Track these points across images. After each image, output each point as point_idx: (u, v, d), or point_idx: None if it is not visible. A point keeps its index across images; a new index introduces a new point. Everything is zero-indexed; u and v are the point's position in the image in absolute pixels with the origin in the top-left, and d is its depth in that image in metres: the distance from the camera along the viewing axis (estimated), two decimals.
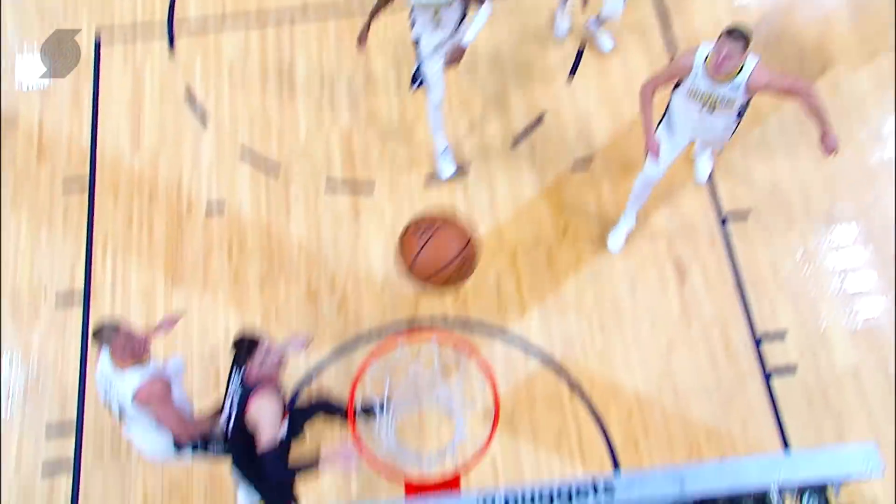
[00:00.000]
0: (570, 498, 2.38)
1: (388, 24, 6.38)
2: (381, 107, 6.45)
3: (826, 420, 5.14)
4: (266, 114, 6.47)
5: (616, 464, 5.08)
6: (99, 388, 4.15)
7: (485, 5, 5.15)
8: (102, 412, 5.26)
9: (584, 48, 6.53)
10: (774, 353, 5.36)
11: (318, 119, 6.42)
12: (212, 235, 5.95)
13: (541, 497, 2.40)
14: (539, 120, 6.31)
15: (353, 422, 3.59)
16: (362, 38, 5.44)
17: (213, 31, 6.95)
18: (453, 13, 5.20)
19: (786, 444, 5.13)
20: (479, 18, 5.20)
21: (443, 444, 5.06)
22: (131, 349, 3.98)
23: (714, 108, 4.74)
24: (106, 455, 5.20)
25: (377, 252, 5.83)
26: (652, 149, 4.97)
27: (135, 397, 3.96)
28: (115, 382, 4.01)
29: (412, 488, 2.78)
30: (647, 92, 4.89)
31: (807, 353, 5.35)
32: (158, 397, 4.01)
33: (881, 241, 5.74)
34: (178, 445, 4.28)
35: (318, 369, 5.39)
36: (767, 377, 5.29)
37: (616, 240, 5.74)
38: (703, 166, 5.94)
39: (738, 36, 4.36)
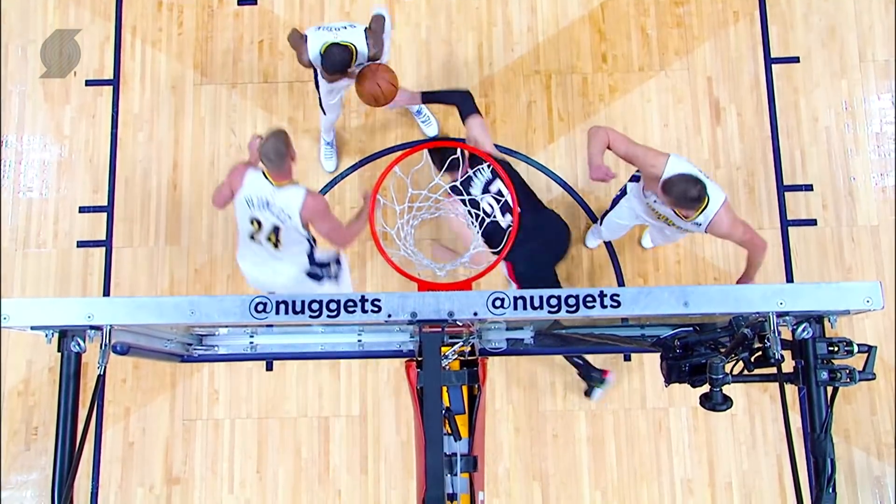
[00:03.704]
0: (577, 305, 2.46)
1: None
2: None
3: (836, 274, 5.20)
4: None
5: None
6: (247, 207, 4.08)
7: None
8: (132, 199, 5.40)
9: None
10: (797, 205, 5.32)
11: None
12: (243, 32, 5.74)
13: (549, 301, 2.48)
14: None
15: (373, 223, 3.64)
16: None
17: None
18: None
19: None
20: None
21: (458, 254, 5.10)
22: (291, 165, 3.97)
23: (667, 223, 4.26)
24: (135, 241, 5.36)
25: (410, 59, 5.63)
26: (601, 173, 4.15)
27: (302, 210, 3.99)
28: (276, 199, 3.99)
29: (425, 285, 2.88)
30: (602, 138, 4.17)
31: (829, 208, 5.31)
32: (324, 208, 4.09)
33: None
34: (315, 275, 4.39)
35: (343, 176, 5.44)
36: (785, 227, 5.29)
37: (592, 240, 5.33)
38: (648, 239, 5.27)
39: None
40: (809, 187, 5.33)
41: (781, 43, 5.58)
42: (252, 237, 4.20)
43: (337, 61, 4.31)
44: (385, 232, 4.06)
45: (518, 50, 5.64)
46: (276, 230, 4.12)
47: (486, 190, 4.32)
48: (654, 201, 4.10)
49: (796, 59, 5.55)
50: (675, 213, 3.99)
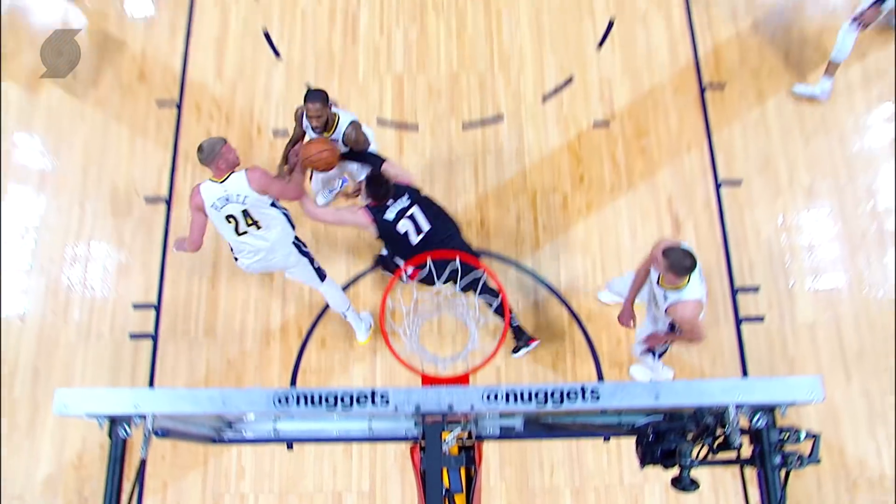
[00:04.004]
0: (561, 399, 2.44)
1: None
2: (431, 57, 6.25)
3: (781, 365, 5.11)
4: (331, 55, 6.29)
5: (601, 380, 5.11)
6: (216, 211, 4.13)
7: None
8: (177, 296, 5.40)
9: (613, 21, 6.28)
10: (747, 304, 5.30)
11: (375, 63, 6.24)
12: (276, 157, 5.80)
13: (536, 395, 2.45)
14: (569, 81, 6.13)
15: (384, 322, 3.63)
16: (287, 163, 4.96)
17: None
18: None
19: None
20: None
21: (457, 350, 5.08)
22: (234, 157, 4.07)
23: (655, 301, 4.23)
24: (178, 333, 5.32)
25: (415, 178, 5.66)
26: (625, 321, 4.52)
27: (251, 183, 4.07)
28: (228, 189, 4.07)
29: (428, 380, 2.87)
30: (641, 273, 4.33)
31: (774, 307, 5.28)
32: (265, 174, 4.14)
33: (849, 219, 5.54)
34: (299, 246, 4.53)
35: (357, 279, 5.44)
36: (738, 323, 5.25)
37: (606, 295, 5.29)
38: (638, 371, 5.14)
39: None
40: (756, 289, 5.34)
41: (727, 168, 5.72)
42: (237, 233, 4.23)
43: (314, 92, 4.41)
44: (394, 331, 4.05)
45: (508, 172, 5.78)
46: (246, 214, 4.15)
47: (400, 216, 4.43)
48: (653, 268, 4.09)
49: (739, 182, 5.67)
50: (660, 277, 3.98)
